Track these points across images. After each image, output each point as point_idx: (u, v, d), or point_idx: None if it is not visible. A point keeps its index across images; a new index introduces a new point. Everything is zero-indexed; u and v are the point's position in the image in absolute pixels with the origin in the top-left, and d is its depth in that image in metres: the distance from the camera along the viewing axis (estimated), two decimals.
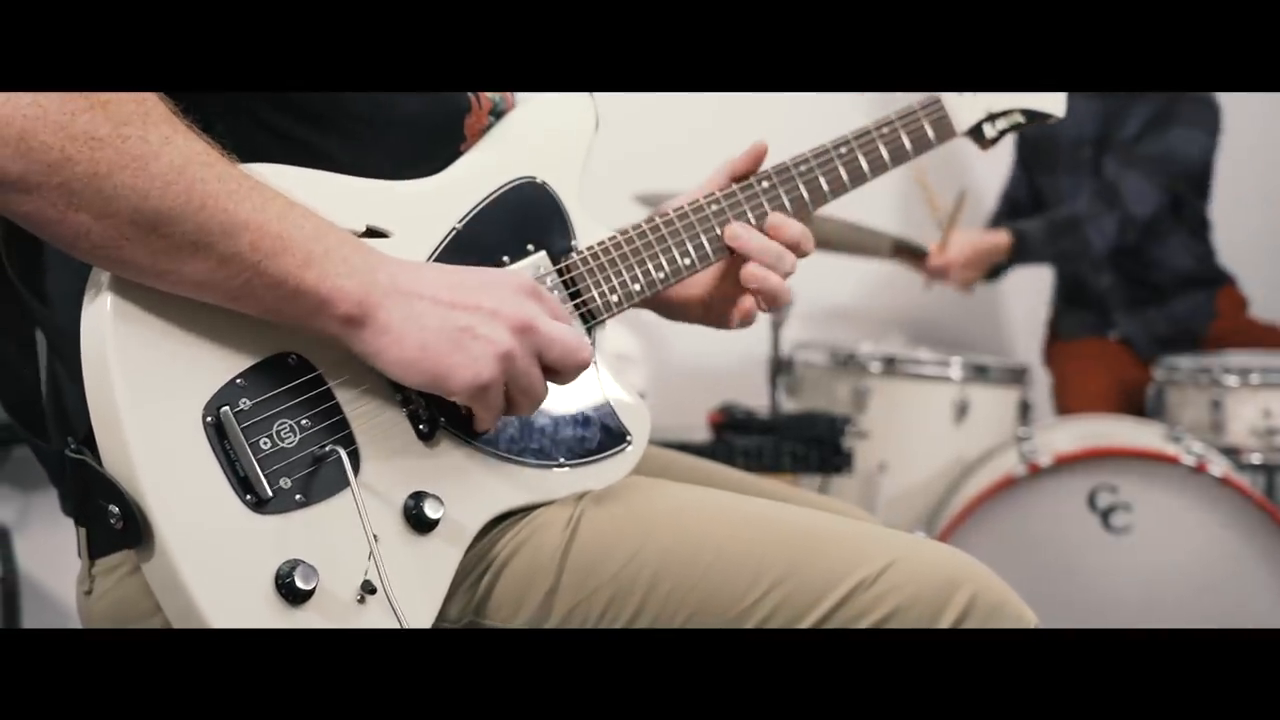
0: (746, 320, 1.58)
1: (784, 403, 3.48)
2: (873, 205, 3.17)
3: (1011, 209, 4.03)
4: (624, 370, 3.19)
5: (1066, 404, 3.87)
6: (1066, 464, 3.00)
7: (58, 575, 1.28)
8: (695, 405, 3.49)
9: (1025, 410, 3.49)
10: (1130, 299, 3.87)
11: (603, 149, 3.42)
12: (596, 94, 1.51)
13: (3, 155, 1.05)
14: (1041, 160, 3.94)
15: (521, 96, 1.50)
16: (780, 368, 3.39)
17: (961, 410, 3.42)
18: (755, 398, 3.41)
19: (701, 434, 3.18)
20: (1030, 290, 4.22)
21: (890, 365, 3.46)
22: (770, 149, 1.59)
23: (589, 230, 1.45)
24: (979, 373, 3.46)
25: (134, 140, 1.08)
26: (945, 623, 1.24)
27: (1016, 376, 3.52)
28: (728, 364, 3.89)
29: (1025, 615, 1.28)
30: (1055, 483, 3.01)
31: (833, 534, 1.29)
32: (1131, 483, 3.00)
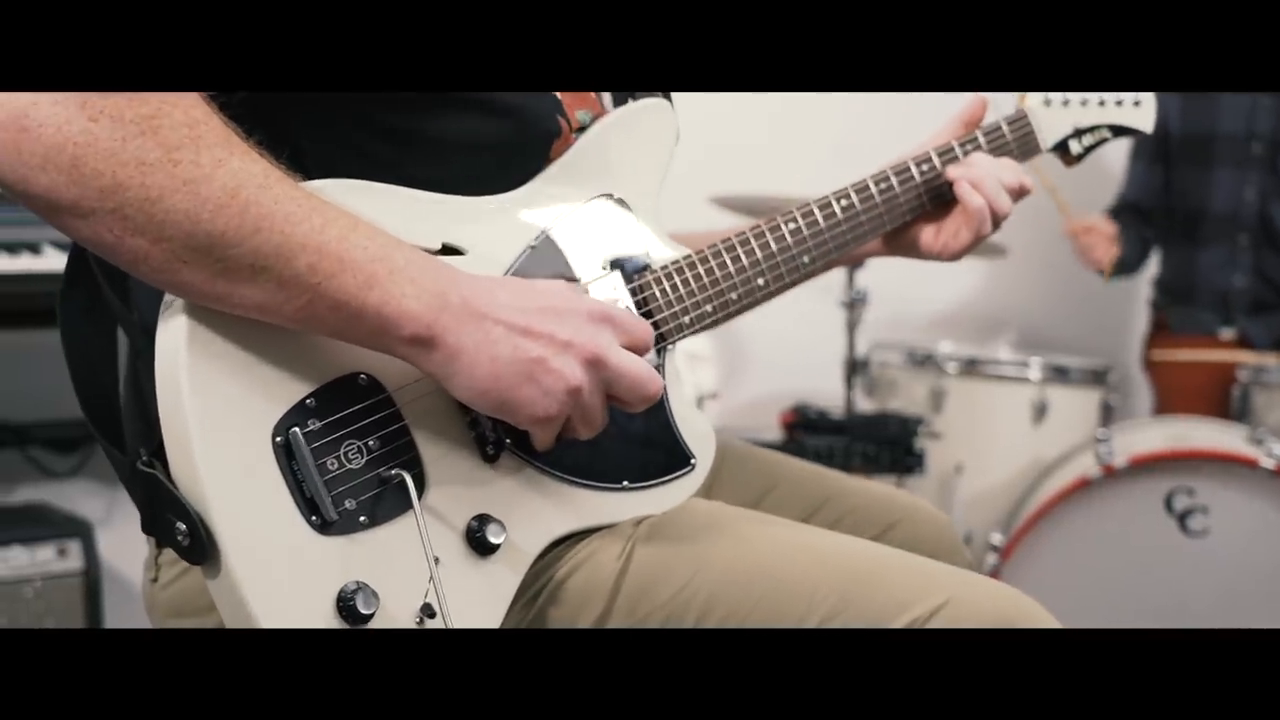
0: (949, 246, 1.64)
1: (861, 403, 3.47)
2: None
3: (1134, 209, 3.98)
4: (696, 369, 3.21)
5: (1167, 403, 3.84)
6: (1142, 466, 2.97)
7: (140, 570, 1.32)
8: (769, 405, 3.49)
9: (1107, 411, 3.45)
10: (1256, 302, 3.82)
11: (681, 150, 3.43)
12: (674, 94, 1.50)
13: (56, 182, 1.06)
14: (1191, 154, 3.87)
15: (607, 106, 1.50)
16: (856, 368, 3.37)
17: (1040, 411, 3.39)
18: (831, 398, 3.40)
19: (773, 433, 3.18)
20: (1122, 291, 4.18)
21: (968, 366, 3.43)
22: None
23: (665, 250, 1.44)
24: (1059, 374, 3.43)
25: (185, 164, 1.08)
26: None
27: (1098, 378, 3.48)
28: (802, 363, 3.88)
29: None
30: (1131, 485, 2.98)
31: (888, 568, 1.27)
32: (1209, 485, 2.95)
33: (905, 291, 3.89)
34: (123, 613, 2.92)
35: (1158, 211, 3.95)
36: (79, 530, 2.75)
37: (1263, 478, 2.93)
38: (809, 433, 3.12)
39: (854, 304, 3.31)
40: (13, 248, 2.59)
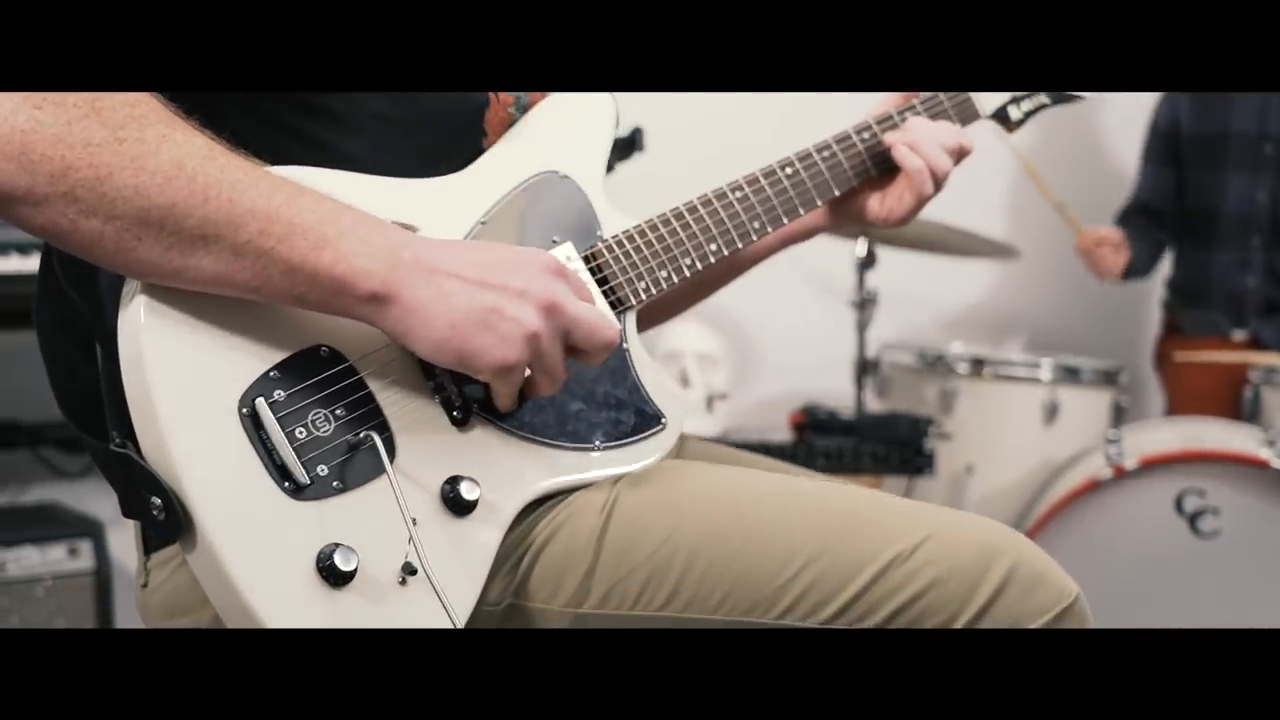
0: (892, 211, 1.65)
1: (872, 404, 3.47)
2: (965, 205, 3.16)
3: (1145, 210, 3.98)
4: (706, 370, 3.21)
5: (1179, 404, 3.83)
6: (1153, 467, 2.96)
7: None
8: (779, 405, 3.49)
9: (1119, 412, 3.44)
10: (1268, 303, 3.81)
11: (691, 149, 3.42)
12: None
13: (7, 171, 1.08)
14: (1203, 156, 3.87)
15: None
16: (866, 368, 3.37)
17: (1051, 412, 3.38)
18: (841, 399, 3.40)
19: (783, 434, 3.18)
20: (1134, 292, 4.17)
21: (979, 366, 3.43)
22: None
23: (615, 221, 1.46)
24: (1070, 374, 3.43)
25: (131, 141, 1.11)
26: (983, 594, 1.23)
27: (1109, 378, 3.47)
28: (812, 364, 3.88)
29: (1066, 586, 1.27)
30: (1141, 486, 2.98)
31: (869, 509, 1.30)
32: (1220, 486, 2.95)
33: (916, 292, 3.89)
34: (133, 612, 2.92)
35: (1169, 213, 3.95)
36: (90, 530, 2.76)
37: (1274, 479, 2.92)
38: (818, 433, 3.12)
39: (864, 304, 3.31)
40: (24, 249, 2.60)
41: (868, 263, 3.27)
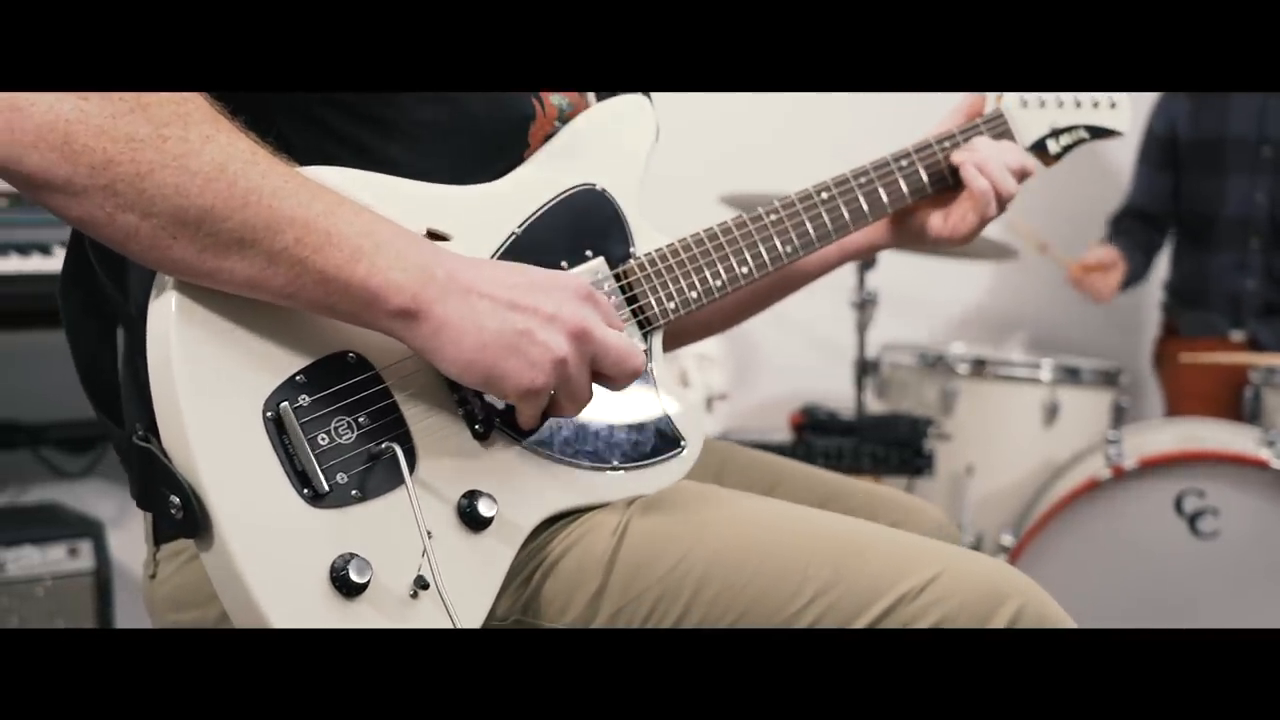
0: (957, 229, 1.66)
1: (872, 404, 3.47)
2: None
3: (1140, 214, 3.98)
4: (706, 370, 3.21)
5: (1178, 405, 3.83)
6: (1152, 467, 2.96)
7: None
8: (779, 406, 3.49)
9: (1119, 413, 3.44)
10: (1267, 305, 3.81)
11: (696, 150, 3.41)
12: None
13: (49, 159, 1.07)
14: (1202, 160, 3.87)
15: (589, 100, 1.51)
16: (866, 369, 3.37)
17: (1051, 413, 3.38)
18: (841, 399, 3.40)
19: (783, 435, 3.18)
20: (1134, 293, 4.17)
21: (979, 367, 3.43)
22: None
23: (648, 237, 1.46)
24: (1070, 375, 3.43)
25: (174, 140, 1.10)
26: None
27: (1109, 379, 3.47)
28: (813, 365, 3.89)
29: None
30: (1141, 486, 2.97)
31: (880, 543, 1.28)
32: (1220, 487, 2.95)
33: (916, 293, 3.89)
34: (133, 612, 2.93)
35: (1165, 217, 3.95)
36: (90, 530, 2.77)
37: (1273, 479, 2.92)
38: (818, 434, 3.12)
39: (865, 305, 3.32)
40: (24, 249, 2.60)
41: (868, 263, 3.27)
